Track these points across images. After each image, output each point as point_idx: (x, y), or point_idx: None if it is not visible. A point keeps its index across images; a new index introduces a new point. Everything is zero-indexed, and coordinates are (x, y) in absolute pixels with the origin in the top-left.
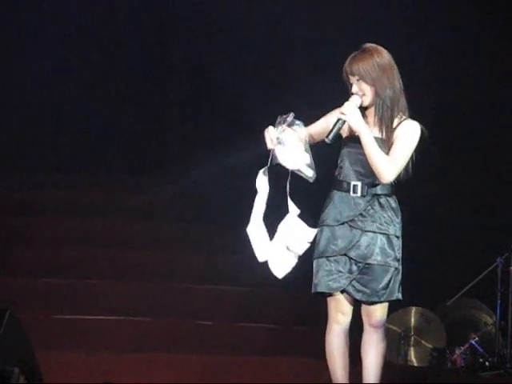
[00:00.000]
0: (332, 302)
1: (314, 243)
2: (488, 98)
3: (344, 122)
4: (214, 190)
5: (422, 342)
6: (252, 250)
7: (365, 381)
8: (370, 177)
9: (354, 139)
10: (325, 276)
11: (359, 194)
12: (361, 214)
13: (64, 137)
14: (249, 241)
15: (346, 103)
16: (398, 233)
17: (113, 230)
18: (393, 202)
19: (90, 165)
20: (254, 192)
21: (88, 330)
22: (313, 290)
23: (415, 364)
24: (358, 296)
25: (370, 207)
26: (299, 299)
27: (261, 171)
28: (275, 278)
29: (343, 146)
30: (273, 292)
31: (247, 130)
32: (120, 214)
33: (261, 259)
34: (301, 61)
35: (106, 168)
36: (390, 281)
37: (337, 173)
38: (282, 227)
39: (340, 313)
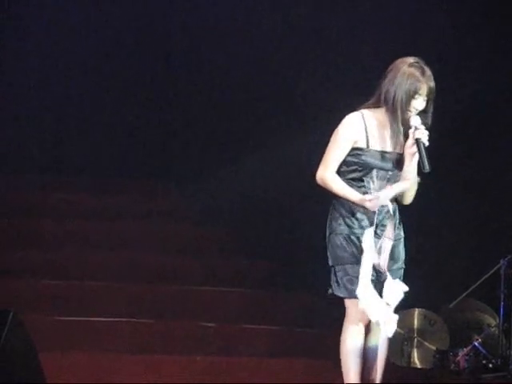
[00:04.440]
0: (353, 305)
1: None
2: (491, 100)
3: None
4: (219, 194)
5: (426, 343)
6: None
7: (367, 380)
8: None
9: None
10: (348, 282)
11: None
12: (378, 224)
13: (68, 139)
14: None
15: (421, 128)
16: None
17: (115, 232)
18: (396, 205)
19: (94, 167)
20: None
21: (91, 332)
22: (345, 295)
23: (418, 366)
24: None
25: (385, 217)
26: (302, 301)
27: (369, 230)
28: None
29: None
30: (276, 294)
31: (254, 133)
32: (122, 216)
33: (374, 319)
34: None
35: (109, 170)
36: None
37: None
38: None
39: (360, 314)
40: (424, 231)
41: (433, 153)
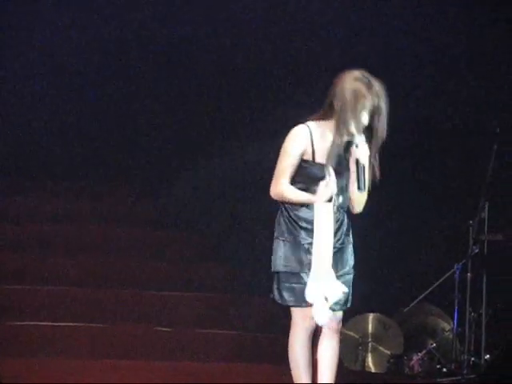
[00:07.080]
0: (298, 311)
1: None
2: (453, 104)
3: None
4: (177, 197)
5: (380, 348)
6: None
7: (320, 381)
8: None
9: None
10: (289, 290)
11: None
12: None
13: (26, 142)
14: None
15: (363, 147)
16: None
17: (73, 236)
18: (344, 212)
19: (56, 170)
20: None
21: (46, 337)
22: (286, 303)
23: (373, 370)
24: (337, 307)
25: (339, 219)
26: (261, 305)
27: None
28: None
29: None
30: (235, 298)
31: (217, 137)
32: (80, 220)
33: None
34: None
35: (69, 173)
36: (352, 286)
37: (304, 189)
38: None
39: (308, 318)
40: (378, 236)
41: (390, 157)
